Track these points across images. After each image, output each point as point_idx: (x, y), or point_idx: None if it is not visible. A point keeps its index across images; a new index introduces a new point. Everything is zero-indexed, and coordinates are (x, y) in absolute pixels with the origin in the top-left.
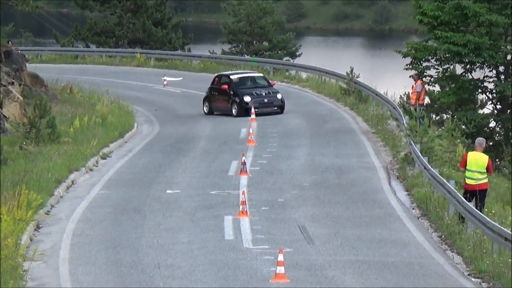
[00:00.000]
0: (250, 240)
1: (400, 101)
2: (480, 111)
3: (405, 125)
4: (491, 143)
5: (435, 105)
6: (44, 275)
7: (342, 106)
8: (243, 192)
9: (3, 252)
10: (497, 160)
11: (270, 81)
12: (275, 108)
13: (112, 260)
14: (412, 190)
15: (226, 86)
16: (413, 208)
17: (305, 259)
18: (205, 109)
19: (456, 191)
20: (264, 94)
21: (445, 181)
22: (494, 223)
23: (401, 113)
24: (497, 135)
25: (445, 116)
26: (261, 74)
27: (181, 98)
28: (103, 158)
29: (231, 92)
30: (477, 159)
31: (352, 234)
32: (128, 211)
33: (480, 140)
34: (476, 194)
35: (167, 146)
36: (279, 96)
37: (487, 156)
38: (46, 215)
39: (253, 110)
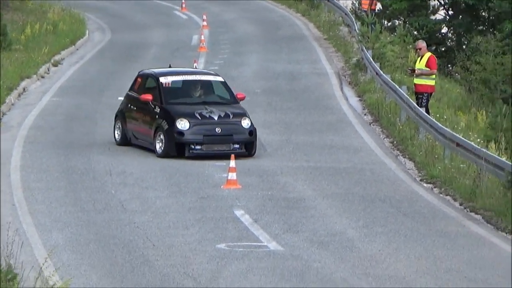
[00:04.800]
0: None
1: (352, 7)
2: (432, 17)
3: (357, 31)
4: (443, 49)
5: (387, 11)
6: None
7: (294, 13)
8: None
9: None
10: (449, 65)
11: (234, 92)
12: (236, 146)
13: (63, 167)
14: (364, 96)
15: (149, 96)
16: (365, 114)
17: (257, 165)
18: (116, 134)
19: (408, 96)
20: (216, 117)
21: (397, 86)
22: (446, 128)
23: (353, 19)
24: (449, 40)
25: (397, 22)
26: (219, 78)
27: (132, 5)
28: (55, 65)
29: (157, 109)
30: None
31: (304, 140)
32: (79, 118)
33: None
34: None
35: (119, 53)
36: (245, 123)
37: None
38: None
39: (193, 147)
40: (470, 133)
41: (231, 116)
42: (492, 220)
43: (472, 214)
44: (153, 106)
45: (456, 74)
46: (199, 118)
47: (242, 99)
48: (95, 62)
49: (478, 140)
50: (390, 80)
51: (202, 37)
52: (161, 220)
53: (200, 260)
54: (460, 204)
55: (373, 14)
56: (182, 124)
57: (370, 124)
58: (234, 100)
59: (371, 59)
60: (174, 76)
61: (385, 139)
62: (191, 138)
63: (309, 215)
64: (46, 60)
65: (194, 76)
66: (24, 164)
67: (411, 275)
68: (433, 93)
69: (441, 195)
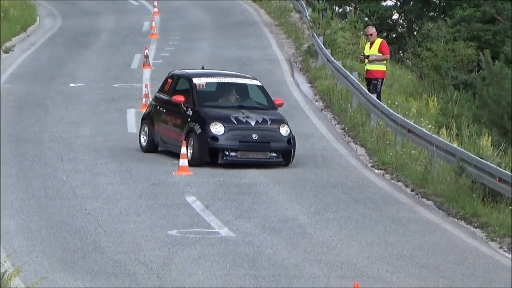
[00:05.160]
0: None
1: None
2: (383, 3)
3: (308, 17)
4: (394, 35)
5: None
6: None
7: None
8: (146, 85)
9: None
10: (400, 52)
11: (272, 98)
12: (273, 155)
13: (15, 154)
14: (315, 82)
15: (181, 98)
16: (316, 100)
17: None
18: (142, 139)
19: (359, 82)
20: (253, 123)
21: (348, 73)
22: (397, 114)
23: (304, 5)
24: (400, 27)
25: (348, 8)
26: (256, 82)
27: None
28: (6, 52)
29: (189, 111)
30: None
31: None
32: (31, 105)
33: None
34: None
35: (70, 39)
36: (284, 130)
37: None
38: None
39: (227, 154)
40: (421, 119)
41: (269, 122)
42: (444, 206)
43: (424, 200)
44: (185, 109)
45: (407, 60)
46: (235, 122)
47: (280, 105)
48: (46, 49)
49: (429, 126)
50: (341, 67)
51: (153, 24)
52: (113, 206)
53: (151, 247)
54: (412, 190)
55: (324, 0)
56: (217, 129)
57: (321, 111)
58: (272, 105)
59: (322, 46)
60: (208, 78)
61: (336, 125)
62: (225, 144)
63: (260, 201)
64: None
65: (229, 78)
66: None
67: (363, 261)
68: (384, 79)
69: (392, 181)
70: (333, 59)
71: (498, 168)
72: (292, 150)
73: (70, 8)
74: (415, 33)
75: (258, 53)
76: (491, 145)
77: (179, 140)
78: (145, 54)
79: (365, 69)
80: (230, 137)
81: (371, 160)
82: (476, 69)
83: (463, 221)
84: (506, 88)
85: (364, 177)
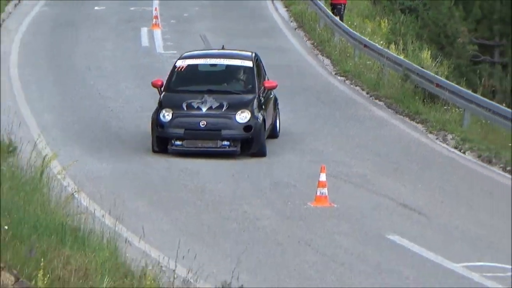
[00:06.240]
0: (162, 47)
1: None
2: None
3: None
4: None
5: None
6: None
7: None
8: (156, 9)
9: None
10: None
11: (268, 80)
12: (225, 143)
13: (51, 65)
14: (290, 7)
15: (159, 81)
16: (291, 21)
17: None
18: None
19: (325, 7)
20: (205, 109)
21: None
22: (355, 33)
23: None
24: None
25: None
26: (246, 63)
27: None
28: None
29: (160, 97)
30: None
31: (243, 43)
32: (63, 25)
33: None
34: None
35: None
36: (241, 116)
37: None
38: None
39: (173, 143)
40: (375, 37)
41: (224, 108)
42: (392, 105)
43: (377, 101)
44: (160, 94)
45: None
46: (185, 109)
47: (271, 88)
48: None
49: (381, 42)
50: None
51: None
52: (130, 105)
53: None
54: (367, 93)
55: None
56: (166, 116)
57: (295, 29)
58: (251, 89)
59: None
60: (193, 59)
61: (307, 41)
62: (171, 132)
63: None
64: None
65: (217, 59)
66: (20, 62)
67: (328, 149)
68: (346, 5)
69: (351, 86)
70: None
71: (435, 75)
72: (254, 138)
73: None
74: None
75: None
76: (430, 58)
77: None
78: None
79: None
80: (176, 124)
81: (335, 69)
82: None
83: (407, 118)
84: (443, 12)
85: (329, 83)
